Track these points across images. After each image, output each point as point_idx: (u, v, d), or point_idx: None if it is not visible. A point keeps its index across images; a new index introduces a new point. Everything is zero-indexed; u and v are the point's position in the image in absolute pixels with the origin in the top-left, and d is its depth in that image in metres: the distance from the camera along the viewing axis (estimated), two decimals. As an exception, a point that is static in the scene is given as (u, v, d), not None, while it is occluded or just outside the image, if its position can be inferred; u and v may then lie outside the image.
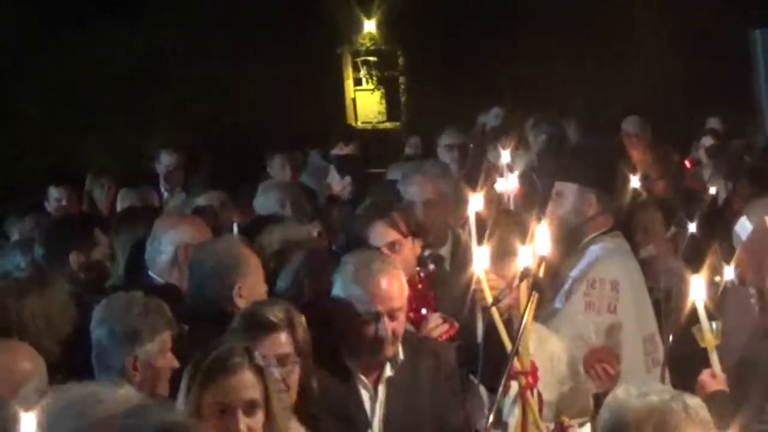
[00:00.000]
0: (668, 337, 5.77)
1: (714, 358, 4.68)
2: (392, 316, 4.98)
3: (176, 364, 4.97)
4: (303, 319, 4.71)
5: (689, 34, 17.36)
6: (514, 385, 4.78)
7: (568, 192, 6.28)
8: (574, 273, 6.14)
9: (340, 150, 12.41)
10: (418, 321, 5.47)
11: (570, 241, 6.18)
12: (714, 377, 4.73)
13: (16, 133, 17.07)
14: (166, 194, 10.46)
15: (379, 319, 4.97)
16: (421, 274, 5.50)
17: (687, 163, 8.27)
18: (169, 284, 6.21)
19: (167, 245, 6.45)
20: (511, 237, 5.29)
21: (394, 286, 5.02)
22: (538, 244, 4.62)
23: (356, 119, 19.48)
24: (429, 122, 18.09)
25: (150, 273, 6.48)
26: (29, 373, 4.61)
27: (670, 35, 17.72)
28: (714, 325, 4.66)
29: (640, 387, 3.80)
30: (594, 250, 6.20)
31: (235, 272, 5.72)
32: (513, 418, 4.96)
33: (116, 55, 17.32)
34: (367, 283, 4.99)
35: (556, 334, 5.76)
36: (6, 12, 16.76)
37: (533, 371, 4.75)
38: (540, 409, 4.86)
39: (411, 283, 5.34)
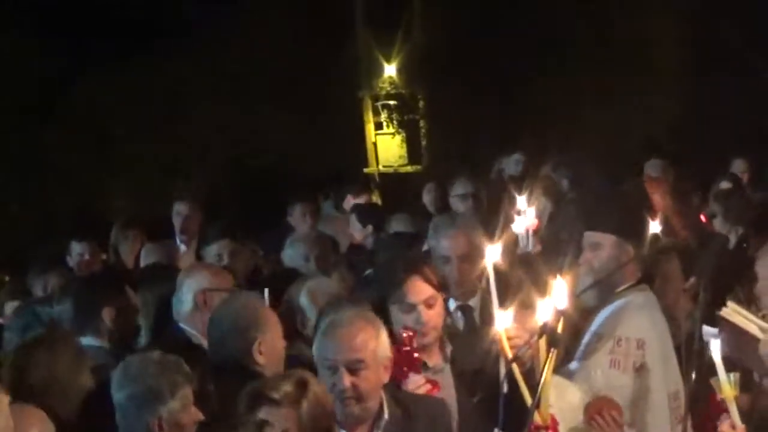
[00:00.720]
0: (690, 380, 5.71)
1: (733, 410, 4.64)
2: (352, 370, 4.96)
3: (201, 417, 5.03)
4: (319, 391, 4.71)
5: (716, 68, 17.31)
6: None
7: (605, 242, 6.12)
8: (599, 328, 6.02)
9: (355, 199, 12.46)
10: (399, 380, 5.37)
11: (601, 294, 6.07)
12: (734, 429, 4.70)
13: (42, 173, 17.21)
14: (182, 246, 10.46)
15: (337, 370, 4.96)
16: (410, 334, 5.37)
17: (703, 218, 8.14)
18: (192, 344, 6.26)
19: (187, 294, 6.58)
20: (532, 289, 5.29)
21: (357, 338, 5.00)
22: (557, 298, 4.63)
23: (377, 163, 19.55)
24: (450, 165, 18.23)
25: (180, 325, 6.58)
26: None
27: (695, 71, 17.69)
28: (732, 376, 4.63)
29: None
30: (619, 304, 6.07)
31: (254, 329, 5.78)
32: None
33: (141, 95, 17.48)
34: (328, 334, 5.06)
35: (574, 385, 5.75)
36: (33, 51, 16.93)
37: (553, 425, 4.74)
38: (562, 464, 4.85)
39: (398, 345, 5.29)
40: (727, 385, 4.60)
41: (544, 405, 4.65)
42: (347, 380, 4.95)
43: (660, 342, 6.02)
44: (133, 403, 5.02)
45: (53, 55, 16.96)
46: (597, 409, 5.67)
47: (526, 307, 5.15)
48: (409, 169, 19.53)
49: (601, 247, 6.13)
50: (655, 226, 7.88)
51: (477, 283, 6.75)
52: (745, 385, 5.27)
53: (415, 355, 5.37)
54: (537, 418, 4.63)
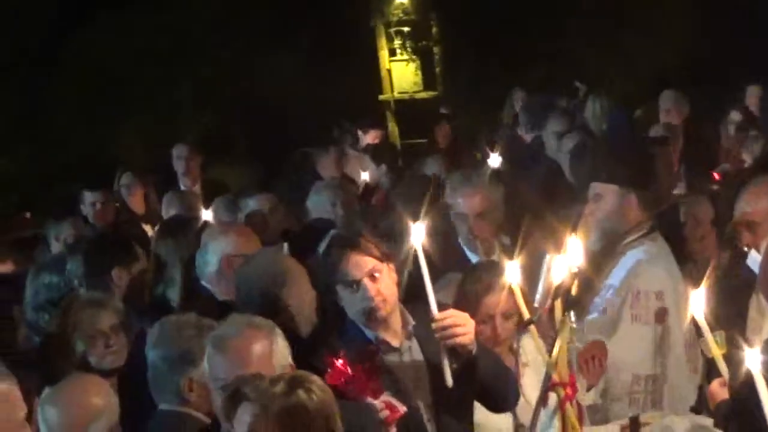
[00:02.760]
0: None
1: (722, 368, 4.61)
2: None
3: None
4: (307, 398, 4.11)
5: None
6: (553, 397, 4.89)
7: (607, 193, 6.15)
8: (613, 281, 6.05)
9: (366, 135, 12.55)
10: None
11: (609, 243, 6.11)
12: (723, 386, 4.72)
13: (50, 122, 17.27)
14: (184, 188, 10.56)
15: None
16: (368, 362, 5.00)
17: (715, 176, 8.05)
18: (223, 303, 6.38)
19: (212, 256, 6.67)
20: (543, 247, 5.37)
21: (251, 351, 4.66)
22: (571, 256, 4.74)
23: (392, 90, 19.54)
24: (465, 90, 18.26)
25: (203, 283, 6.70)
26: (100, 409, 4.83)
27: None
28: (718, 335, 4.59)
29: None
30: (635, 255, 6.10)
31: (281, 282, 5.89)
32: (553, 430, 5.09)
33: (147, 38, 17.44)
34: (219, 349, 4.74)
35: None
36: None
37: (572, 383, 4.85)
38: (580, 421, 4.98)
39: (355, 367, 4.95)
40: (713, 343, 4.57)
41: (561, 363, 4.81)
42: None
43: (676, 293, 6.04)
44: (167, 363, 5.19)
45: (53, 3, 16.93)
46: (590, 353, 5.80)
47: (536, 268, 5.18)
48: (424, 95, 19.48)
49: (603, 198, 6.17)
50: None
51: (495, 242, 6.85)
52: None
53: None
54: (555, 376, 4.81)
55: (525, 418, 5.31)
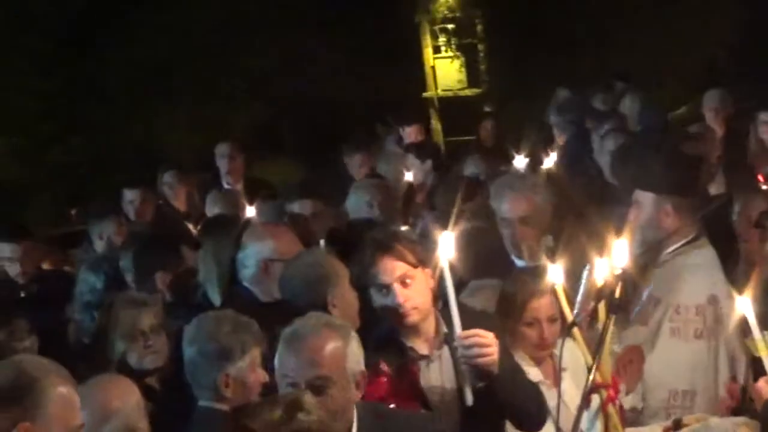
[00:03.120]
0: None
1: None
2: (316, 388, 4.49)
3: (266, 378, 5.13)
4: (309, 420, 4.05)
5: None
6: (596, 398, 4.86)
7: (644, 201, 6.08)
8: (656, 292, 5.99)
9: (409, 131, 12.52)
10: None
11: (651, 251, 6.02)
12: None
13: (102, 110, 17.39)
14: (228, 187, 10.57)
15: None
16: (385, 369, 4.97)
17: (760, 177, 7.90)
18: (263, 303, 6.40)
19: (251, 259, 6.66)
20: (587, 249, 5.33)
21: (323, 351, 4.56)
22: (615, 257, 4.70)
23: (436, 87, 19.53)
24: (509, 88, 18.22)
25: (244, 284, 6.70)
26: (113, 411, 4.85)
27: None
28: (766, 335, 4.59)
29: None
30: (677, 265, 6.02)
31: (325, 283, 5.89)
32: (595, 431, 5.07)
33: (198, 29, 17.53)
34: (290, 346, 4.63)
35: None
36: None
37: (614, 384, 4.82)
38: (622, 421, 4.95)
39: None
40: (761, 342, 4.52)
41: (604, 364, 4.78)
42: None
43: (719, 305, 5.92)
44: (204, 359, 5.21)
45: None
46: (627, 358, 5.76)
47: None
48: (468, 92, 19.47)
49: (641, 205, 6.10)
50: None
51: (540, 247, 6.77)
52: None
53: None
54: (597, 377, 4.78)
55: (565, 423, 5.27)
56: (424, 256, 5.15)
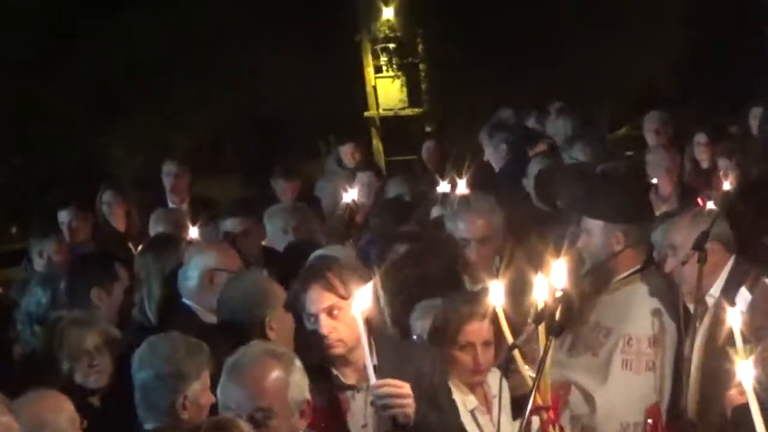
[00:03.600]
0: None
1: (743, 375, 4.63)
2: (256, 420, 4.57)
3: (214, 399, 5.13)
4: None
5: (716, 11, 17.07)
6: (536, 420, 4.87)
7: (594, 228, 6.10)
8: (606, 322, 6.00)
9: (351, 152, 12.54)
10: None
11: (599, 278, 6.06)
12: (743, 394, 4.78)
13: (44, 128, 17.24)
14: (172, 206, 10.52)
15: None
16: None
17: (699, 201, 7.93)
18: (204, 324, 6.36)
19: (194, 271, 6.71)
20: (527, 270, 5.34)
21: (266, 381, 4.63)
22: (555, 278, 4.71)
23: (378, 106, 19.54)
24: (451, 108, 18.27)
25: (184, 300, 6.72)
26: (47, 424, 4.89)
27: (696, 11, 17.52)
28: (748, 346, 4.68)
29: None
30: (627, 295, 6.03)
31: (263, 306, 5.94)
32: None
33: (140, 46, 17.44)
34: (233, 376, 4.73)
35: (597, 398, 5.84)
36: (31, 5, 16.88)
37: (555, 406, 4.86)
38: (562, 444, 4.97)
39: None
40: (742, 352, 4.59)
41: (544, 386, 4.79)
42: None
43: (671, 334, 5.95)
44: (161, 382, 5.23)
45: (49, 9, 16.89)
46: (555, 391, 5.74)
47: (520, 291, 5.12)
48: (409, 112, 19.50)
49: (592, 233, 6.11)
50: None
51: (494, 268, 6.76)
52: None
53: None
54: (538, 399, 4.79)
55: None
56: (357, 287, 5.00)
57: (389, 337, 5.25)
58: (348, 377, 5.10)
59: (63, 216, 9.93)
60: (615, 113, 15.85)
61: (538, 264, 5.34)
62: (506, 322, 4.98)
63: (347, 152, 12.88)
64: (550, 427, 4.81)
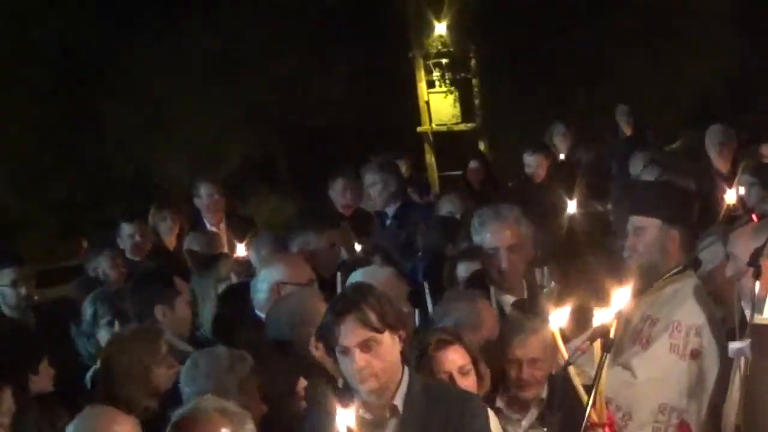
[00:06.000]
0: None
1: None
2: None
3: (265, 410, 5.24)
4: None
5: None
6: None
7: (649, 228, 6.11)
8: (653, 312, 6.02)
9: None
10: None
11: (646, 279, 6.04)
12: None
13: (98, 143, 17.39)
14: (209, 226, 10.53)
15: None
16: None
17: (754, 218, 7.84)
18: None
19: (263, 284, 6.85)
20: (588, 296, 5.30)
21: None
22: (617, 301, 4.67)
23: (430, 121, 19.54)
24: (504, 122, 18.24)
25: (255, 311, 6.84)
26: None
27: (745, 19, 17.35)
28: None
29: None
30: (674, 289, 6.07)
31: (308, 324, 5.93)
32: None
33: (193, 60, 17.56)
34: None
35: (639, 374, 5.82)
36: (82, 17, 17.02)
37: (610, 423, 4.81)
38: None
39: None
40: None
41: (599, 403, 4.75)
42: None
43: (715, 328, 6.00)
44: None
45: (101, 21, 17.03)
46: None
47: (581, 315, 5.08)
48: (462, 127, 19.49)
49: (645, 231, 6.12)
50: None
51: (522, 278, 6.76)
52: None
53: None
54: (594, 416, 4.74)
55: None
56: (393, 319, 4.95)
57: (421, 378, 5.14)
58: (372, 411, 4.98)
59: (127, 230, 9.97)
60: (668, 126, 15.70)
61: (598, 289, 5.30)
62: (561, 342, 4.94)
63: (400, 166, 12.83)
64: (606, 443, 4.76)
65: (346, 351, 4.89)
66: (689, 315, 5.99)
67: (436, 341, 5.48)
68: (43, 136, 17.08)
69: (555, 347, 5.19)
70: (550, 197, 9.73)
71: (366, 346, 4.86)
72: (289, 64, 17.67)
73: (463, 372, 5.41)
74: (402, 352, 5.00)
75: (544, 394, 5.74)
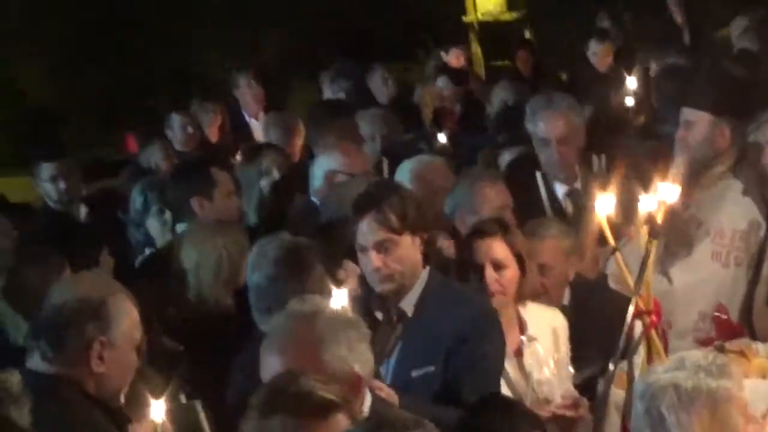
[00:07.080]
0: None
1: None
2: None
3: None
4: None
5: None
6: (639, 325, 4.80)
7: (699, 122, 5.95)
8: (698, 212, 5.93)
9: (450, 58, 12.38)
10: None
11: (694, 173, 5.92)
12: None
13: (137, 34, 17.35)
14: (252, 120, 10.49)
15: None
16: None
17: None
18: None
19: (318, 170, 6.92)
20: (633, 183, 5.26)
21: None
22: (665, 192, 4.62)
23: (476, 11, 19.28)
24: (550, 12, 17.96)
25: (312, 198, 6.90)
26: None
27: None
28: None
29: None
30: (722, 189, 5.95)
31: None
32: (638, 357, 5.01)
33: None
34: None
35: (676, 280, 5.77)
36: None
37: (656, 310, 4.79)
38: (665, 347, 4.92)
39: None
40: None
41: (646, 291, 4.74)
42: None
43: (760, 232, 5.87)
44: (270, 284, 5.20)
45: None
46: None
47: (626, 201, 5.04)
48: (507, 17, 19.21)
49: (695, 125, 5.96)
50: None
51: (576, 167, 6.71)
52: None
53: None
54: (640, 304, 4.74)
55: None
56: (415, 221, 4.90)
57: (445, 280, 5.10)
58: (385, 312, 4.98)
59: (178, 120, 9.97)
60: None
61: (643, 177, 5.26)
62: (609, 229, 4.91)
63: (453, 57, 12.73)
64: (652, 331, 4.76)
65: (363, 249, 4.91)
66: (733, 220, 5.87)
67: (474, 229, 5.44)
68: (81, 27, 17.04)
69: (567, 254, 5.41)
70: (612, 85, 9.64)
71: (382, 246, 4.85)
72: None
73: (498, 266, 5.30)
74: (424, 254, 4.94)
75: (566, 301, 5.73)
